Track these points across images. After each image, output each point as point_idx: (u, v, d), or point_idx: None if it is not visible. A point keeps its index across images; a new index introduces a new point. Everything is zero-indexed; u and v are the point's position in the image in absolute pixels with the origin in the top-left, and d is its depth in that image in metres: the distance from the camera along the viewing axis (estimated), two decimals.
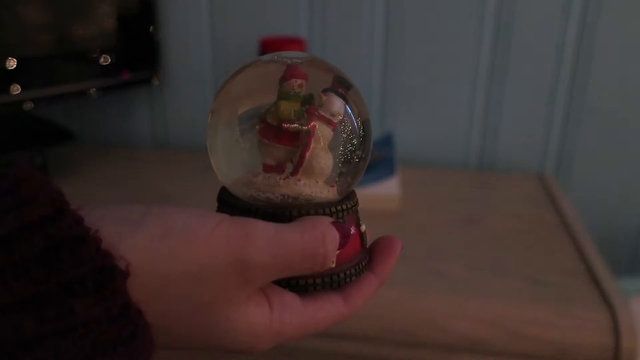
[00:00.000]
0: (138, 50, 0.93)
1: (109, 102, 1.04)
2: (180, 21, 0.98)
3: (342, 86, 0.27)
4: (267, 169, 0.26)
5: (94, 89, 0.86)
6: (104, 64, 0.87)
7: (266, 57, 0.28)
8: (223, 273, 0.22)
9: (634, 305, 0.69)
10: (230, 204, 0.27)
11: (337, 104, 0.26)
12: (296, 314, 0.25)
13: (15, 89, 0.76)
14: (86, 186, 0.85)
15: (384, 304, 0.58)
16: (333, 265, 0.25)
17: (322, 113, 0.26)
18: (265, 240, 0.22)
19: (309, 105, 0.26)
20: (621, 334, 0.54)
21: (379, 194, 0.78)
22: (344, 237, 0.25)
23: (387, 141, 0.92)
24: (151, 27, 0.94)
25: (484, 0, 0.90)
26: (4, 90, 0.75)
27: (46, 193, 0.20)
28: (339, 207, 0.27)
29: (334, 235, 0.24)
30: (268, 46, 0.83)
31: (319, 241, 0.24)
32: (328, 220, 0.25)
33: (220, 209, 0.28)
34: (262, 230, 0.23)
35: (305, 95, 0.26)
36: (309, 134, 0.26)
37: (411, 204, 0.80)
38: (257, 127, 0.26)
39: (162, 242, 0.21)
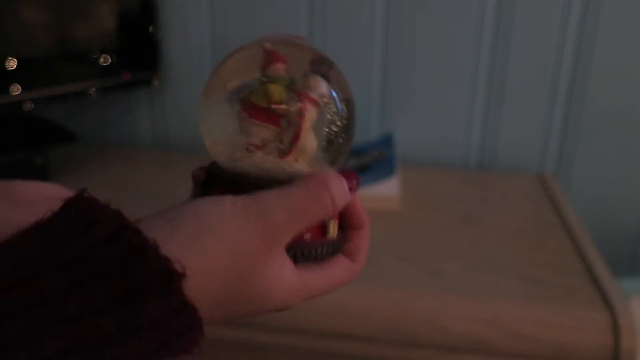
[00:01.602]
0: (138, 51, 0.93)
1: (109, 102, 1.04)
2: (180, 21, 0.98)
3: (324, 67, 0.28)
4: (252, 148, 0.28)
5: (94, 89, 0.86)
6: (104, 64, 0.87)
7: (248, 43, 0.30)
8: (255, 249, 0.25)
9: (634, 305, 0.69)
10: (223, 178, 0.29)
11: (323, 86, 0.28)
12: (316, 273, 0.29)
13: (16, 89, 0.76)
14: (86, 186, 0.84)
15: (384, 304, 0.58)
16: (340, 208, 0.28)
17: (311, 95, 0.27)
18: (276, 200, 0.26)
19: (294, 87, 0.27)
20: (621, 334, 0.54)
21: (379, 194, 0.78)
22: (351, 179, 0.28)
23: (387, 141, 0.92)
24: (151, 27, 0.94)
25: (484, 1, 0.90)
26: (4, 90, 0.75)
27: (109, 214, 0.24)
28: None
29: (336, 181, 0.28)
30: None
31: (322, 186, 0.27)
32: (329, 169, 0.28)
33: (209, 181, 0.30)
34: (270, 194, 0.26)
35: (290, 78, 0.27)
36: (302, 114, 0.27)
37: (411, 204, 0.80)
38: (240, 107, 0.27)
39: (196, 246, 0.24)
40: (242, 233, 0.25)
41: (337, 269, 0.30)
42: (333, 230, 0.30)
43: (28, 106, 0.77)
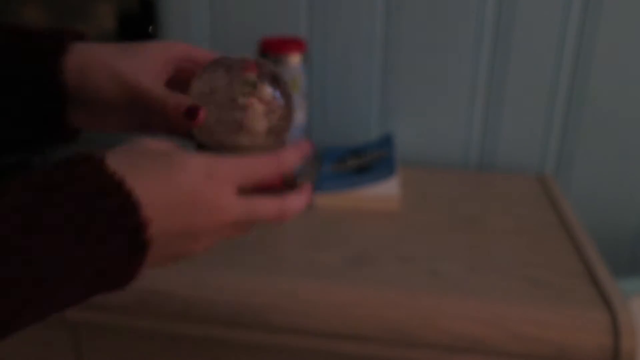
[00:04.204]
0: None
1: None
2: (180, 21, 0.98)
3: (275, 78, 0.40)
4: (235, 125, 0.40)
5: None
6: None
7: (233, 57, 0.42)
8: (201, 183, 0.33)
9: (634, 305, 0.69)
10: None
11: (270, 90, 0.40)
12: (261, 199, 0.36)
13: None
14: None
15: (384, 304, 0.58)
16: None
17: (262, 96, 0.39)
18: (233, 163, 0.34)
19: (254, 89, 0.39)
20: (621, 335, 0.54)
21: (379, 194, 0.78)
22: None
23: (387, 141, 0.92)
24: (151, 27, 0.94)
25: (484, 1, 0.90)
26: None
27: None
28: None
29: (291, 158, 0.37)
30: (268, 46, 0.83)
31: (274, 161, 0.36)
32: (287, 150, 0.37)
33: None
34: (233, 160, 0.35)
35: (254, 82, 0.39)
36: (249, 108, 0.39)
37: (411, 204, 0.80)
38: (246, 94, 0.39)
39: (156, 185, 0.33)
40: (198, 190, 0.32)
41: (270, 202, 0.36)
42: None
43: None
